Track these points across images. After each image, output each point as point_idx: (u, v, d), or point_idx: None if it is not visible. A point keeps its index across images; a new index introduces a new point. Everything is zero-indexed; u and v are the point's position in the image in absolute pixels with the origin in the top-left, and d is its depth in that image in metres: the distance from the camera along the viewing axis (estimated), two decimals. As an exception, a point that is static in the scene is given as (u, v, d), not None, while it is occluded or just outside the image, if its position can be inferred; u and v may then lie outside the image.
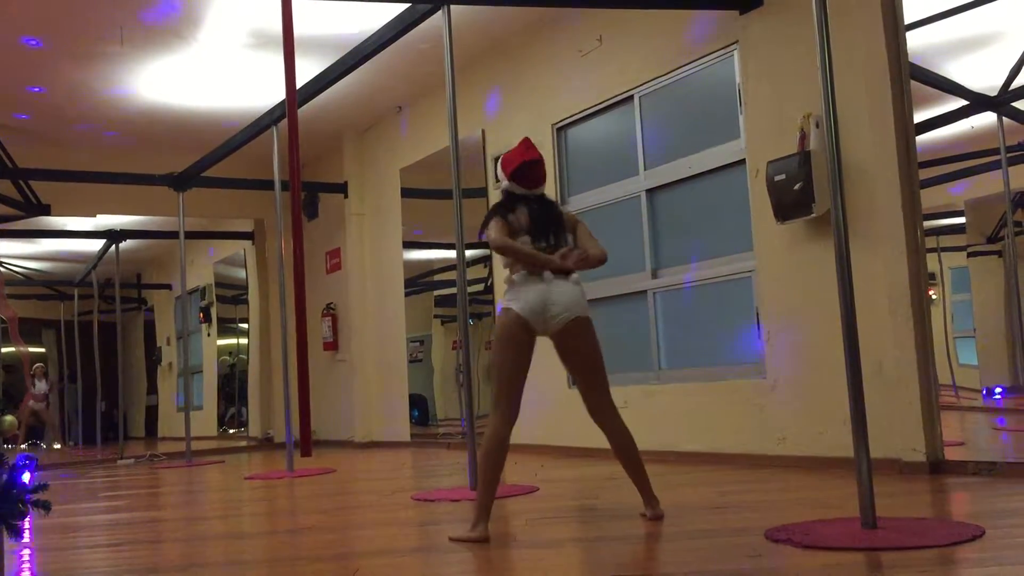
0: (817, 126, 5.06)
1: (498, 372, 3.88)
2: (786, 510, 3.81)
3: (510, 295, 3.85)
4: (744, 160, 5.73)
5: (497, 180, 4.09)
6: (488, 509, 3.63)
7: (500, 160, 4.08)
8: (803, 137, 5.13)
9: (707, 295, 6.11)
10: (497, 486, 3.76)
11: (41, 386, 13.99)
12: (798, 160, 5.10)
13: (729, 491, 4.62)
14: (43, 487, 2.43)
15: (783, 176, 5.17)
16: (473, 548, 3.46)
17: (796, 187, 5.10)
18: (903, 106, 4.75)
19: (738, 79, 5.77)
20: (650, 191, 6.52)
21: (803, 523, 3.33)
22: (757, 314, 5.63)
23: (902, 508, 3.69)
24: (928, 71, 5.39)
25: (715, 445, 5.78)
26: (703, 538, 3.36)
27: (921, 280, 4.70)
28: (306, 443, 4.33)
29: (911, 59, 4.83)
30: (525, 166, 3.95)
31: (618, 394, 6.54)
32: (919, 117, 4.91)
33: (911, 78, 4.81)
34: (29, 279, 15.12)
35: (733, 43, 5.79)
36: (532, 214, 3.91)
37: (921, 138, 4.89)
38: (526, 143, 4.03)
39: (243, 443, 12.17)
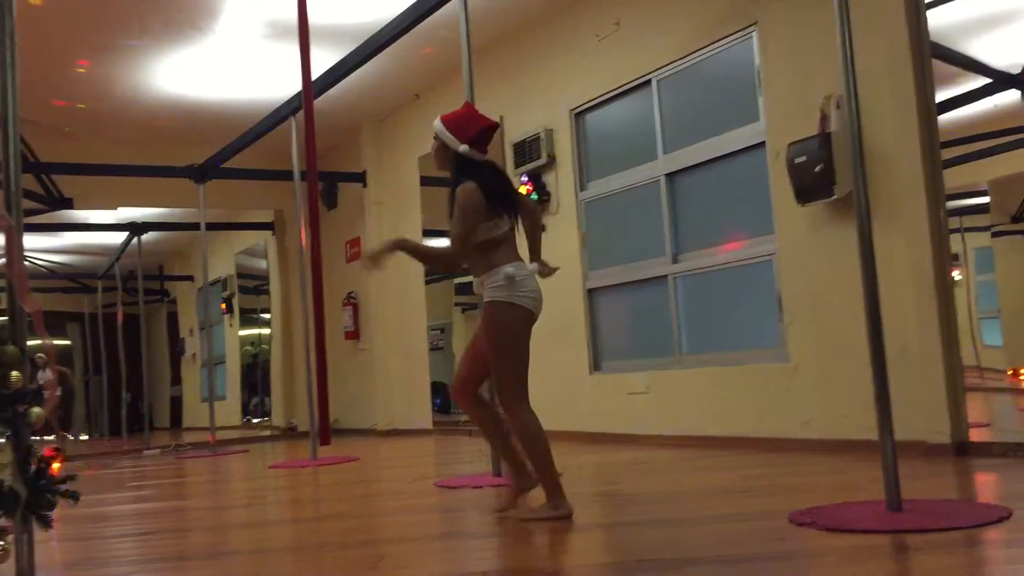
0: (838, 107, 5.01)
1: (517, 365, 3.76)
2: (810, 493, 3.80)
3: (513, 290, 3.62)
4: (764, 143, 5.68)
5: (435, 142, 3.73)
6: (559, 485, 3.63)
7: (445, 120, 3.72)
8: (824, 118, 5.09)
9: (728, 279, 6.08)
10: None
11: (43, 376, 14.17)
12: (819, 142, 5.06)
13: (753, 475, 4.61)
14: (71, 478, 2.45)
15: (804, 158, 5.13)
16: (496, 534, 3.47)
17: (817, 169, 5.05)
18: (925, 85, 4.70)
19: (757, 61, 5.72)
20: (669, 175, 6.49)
21: (828, 506, 3.32)
22: (779, 297, 5.60)
23: (928, 490, 3.67)
24: (950, 49, 5.32)
25: (738, 429, 5.76)
26: (727, 522, 3.36)
27: (944, 261, 4.65)
28: (324, 431, 4.37)
29: (932, 37, 4.77)
30: (487, 132, 3.73)
31: (640, 379, 6.59)
32: (941, 96, 4.86)
33: (933, 57, 4.75)
34: (53, 272, 15.27)
35: (752, 25, 5.74)
36: (497, 187, 3.66)
37: (943, 117, 4.84)
38: (471, 107, 3.80)
39: (267, 432, 12.26)
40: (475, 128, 3.69)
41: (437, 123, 3.75)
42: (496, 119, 8.25)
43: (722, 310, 6.17)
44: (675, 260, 6.46)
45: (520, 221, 3.75)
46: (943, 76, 4.99)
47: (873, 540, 2.82)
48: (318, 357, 4.37)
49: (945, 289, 4.62)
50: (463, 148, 3.67)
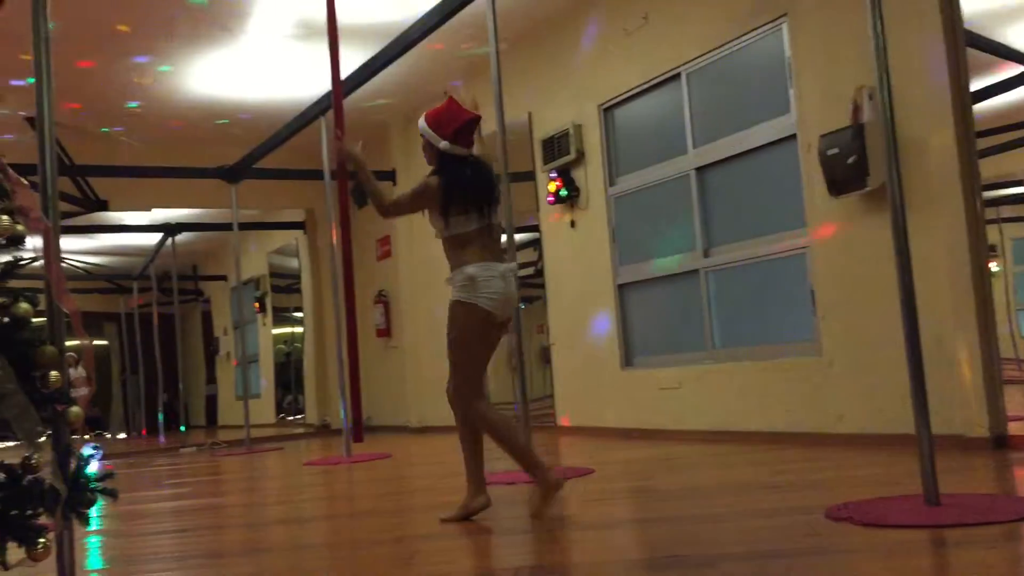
0: (870, 98, 4.96)
1: (475, 364, 3.78)
2: (846, 488, 3.76)
3: (473, 291, 3.65)
4: (795, 135, 5.63)
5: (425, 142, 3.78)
6: (539, 463, 3.68)
7: (428, 117, 3.75)
8: (856, 109, 5.03)
9: (760, 273, 6.04)
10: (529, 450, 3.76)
11: (73, 373, 14.37)
12: (851, 133, 5.00)
13: (787, 470, 4.58)
14: (110, 475, 2.48)
15: (836, 150, 5.08)
16: (528, 530, 3.47)
17: (850, 161, 5.00)
18: (959, 74, 4.63)
19: (787, 52, 5.67)
20: (699, 169, 6.45)
21: (864, 501, 3.29)
22: (812, 291, 5.55)
23: (966, 484, 3.62)
24: (984, 37, 5.24)
25: (771, 424, 5.72)
26: (762, 517, 3.34)
27: (981, 252, 4.59)
28: (358, 429, 4.38)
29: (966, 25, 4.70)
30: (469, 125, 3.72)
31: (672, 375, 6.56)
32: (976, 85, 4.78)
33: (967, 45, 4.69)
34: (90, 274, 15.48)
35: (782, 16, 5.69)
36: (471, 181, 3.67)
37: (978, 106, 4.77)
38: (452, 101, 3.77)
39: (301, 430, 12.36)
40: (456, 123, 3.70)
41: (421, 121, 3.79)
42: (524, 115, 8.27)
43: (754, 304, 6.12)
44: (706, 255, 6.42)
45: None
46: (977, 64, 4.92)
47: (911, 535, 2.79)
48: (351, 355, 4.39)
49: (982, 280, 4.55)
50: (443, 144, 3.71)
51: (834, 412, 5.34)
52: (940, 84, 4.64)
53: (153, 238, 12.79)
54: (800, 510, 3.36)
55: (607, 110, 7.31)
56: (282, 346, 14.54)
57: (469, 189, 3.67)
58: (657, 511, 3.83)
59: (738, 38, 6.04)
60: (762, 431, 5.77)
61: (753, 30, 5.92)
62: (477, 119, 3.76)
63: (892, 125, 3.24)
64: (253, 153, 9.12)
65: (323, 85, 7.85)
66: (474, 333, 3.71)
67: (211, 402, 18.05)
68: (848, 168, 5.02)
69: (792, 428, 5.57)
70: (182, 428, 13.77)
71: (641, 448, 6.13)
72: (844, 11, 5.17)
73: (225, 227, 10.81)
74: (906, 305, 3.16)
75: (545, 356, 8.27)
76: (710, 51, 6.27)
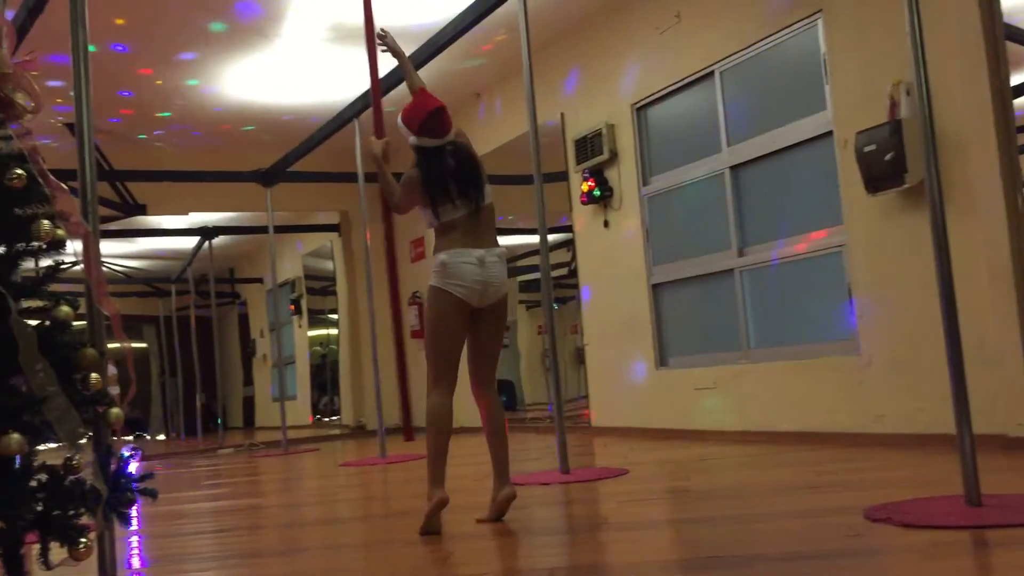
0: (908, 93, 4.89)
1: (436, 352, 3.72)
2: (886, 489, 3.72)
3: (444, 277, 3.64)
4: (831, 132, 5.58)
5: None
6: (437, 477, 3.60)
7: (402, 113, 3.79)
8: (893, 105, 4.97)
9: (796, 271, 5.99)
10: (446, 456, 3.69)
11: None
12: (889, 129, 4.94)
13: (825, 470, 4.53)
14: (150, 476, 2.52)
15: (873, 146, 5.03)
16: (564, 531, 3.47)
17: (887, 157, 4.94)
18: (998, 68, 4.55)
19: (823, 48, 5.61)
20: (734, 168, 6.41)
21: (904, 501, 3.25)
22: (849, 289, 5.49)
23: (1008, 485, 3.56)
24: (1025, 30, 5.16)
25: (809, 424, 5.67)
26: (800, 518, 3.30)
27: (1022, 248, 4.51)
28: (407, 429, 4.37)
29: (1005, 18, 4.63)
30: (433, 116, 3.72)
31: (707, 375, 6.52)
32: (1016, 80, 4.70)
33: (1006, 39, 4.61)
34: (129, 277, 15.69)
35: (816, 12, 5.63)
36: (451, 169, 3.68)
37: (1019, 101, 4.69)
38: (421, 93, 3.81)
39: (336, 431, 12.43)
40: (421, 116, 3.72)
41: (397, 119, 3.83)
42: (556, 116, 8.26)
43: (790, 303, 6.07)
44: (741, 253, 6.37)
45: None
46: (1017, 58, 4.84)
47: (952, 536, 2.75)
48: (397, 356, 4.39)
49: (1023, 277, 4.47)
50: (412, 140, 3.76)
51: (873, 411, 5.27)
52: (979, 78, 4.57)
53: (190, 241, 12.94)
54: (838, 511, 3.32)
55: (640, 109, 7.28)
56: (317, 348, 14.65)
57: (449, 178, 3.68)
58: (693, 512, 3.80)
59: (772, 35, 5.99)
60: (799, 431, 5.71)
61: (787, 27, 5.87)
62: (439, 108, 3.75)
63: (930, 120, 3.20)
64: (288, 156, 9.20)
65: (357, 88, 7.91)
66: (442, 321, 3.68)
67: (248, 403, 18.22)
68: (885, 165, 4.96)
69: (830, 428, 5.52)
70: (219, 422, 13.89)
71: (676, 448, 6.09)
72: (880, 5, 5.11)
73: (261, 230, 10.91)
74: (946, 302, 3.12)
75: (579, 356, 8.26)
76: (744, 49, 6.22)
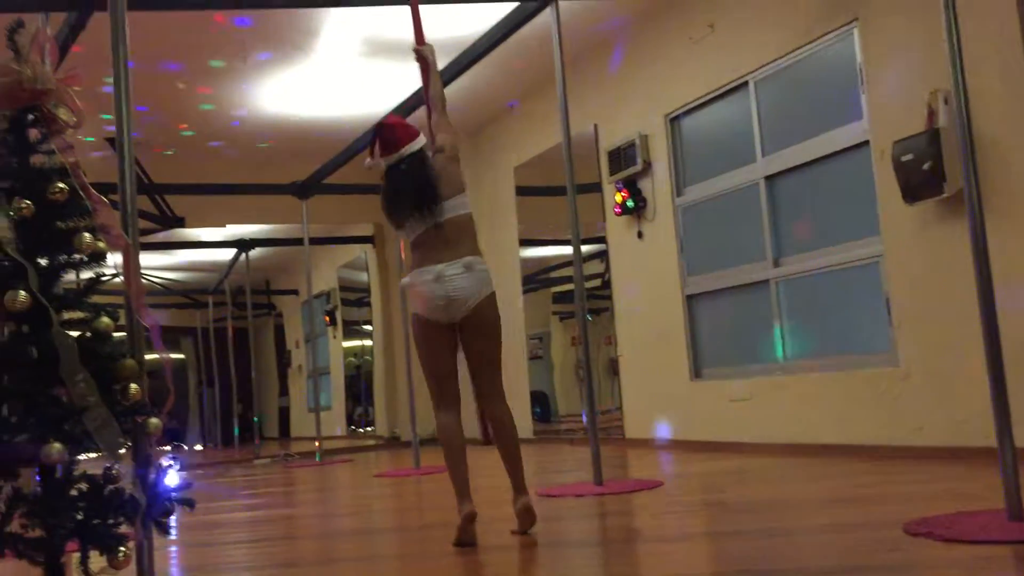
0: (946, 102, 4.84)
1: (427, 375, 3.79)
2: (926, 502, 3.66)
3: (410, 300, 3.71)
4: (868, 141, 5.53)
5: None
6: (461, 491, 3.62)
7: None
8: (931, 114, 4.92)
9: (832, 282, 5.93)
10: (464, 469, 3.70)
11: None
12: (926, 138, 4.89)
13: (864, 483, 4.47)
14: (187, 485, 2.54)
15: (911, 156, 4.97)
16: (599, 543, 3.45)
17: (925, 166, 4.89)
18: (1040, 75, 4.49)
19: (859, 58, 5.57)
20: (769, 178, 6.36)
21: (945, 515, 3.19)
22: (887, 300, 5.43)
23: (1052, 500, 3.49)
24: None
25: (847, 436, 5.60)
26: (838, 532, 3.27)
27: (1066, 258, 4.43)
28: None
29: (1047, 25, 4.56)
30: (379, 134, 3.69)
31: (743, 386, 6.47)
32: (1058, 86, 4.63)
33: (1048, 45, 4.54)
34: (167, 289, 15.89)
35: (852, 20, 5.59)
36: (401, 186, 3.60)
37: (1061, 108, 4.61)
38: (384, 119, 3.86)
39: (371, 442, 12.48)
40: (374, 138, 3.72)
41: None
42: (590, 127, 8.26)
43: (827, 314, 6.01)
44: (776, 264, 6.32)
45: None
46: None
47: (993, 551, 2.70)
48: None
49: (1067, 288, 4.40)
50: (367, 163, 3.76)
51: (912, 424, 5.20)
52: (1019, 85, 4.51)
53: (228, 254, 13.09)
54: (877, 525, 3.28)
55: (673, 120, 7.26)
56: (352, 359, 14.73)
57: (400, 196, 3.63)
58: (729, 525, 3.77)
59: (807, 45, 5.95)
60: (837, 444, 5.65)
61: (822, 36, 5.83)
62: (387, 126, 3.74)
63: (969, 129, 3.16)
64: (323, 169, 9.28)
65: (391, 101, 7.97)
66: (421, 346, 3.74)
67: (284, 414, 18.35)
68: (923, 174, 4.91)
69: (868, 441, 5.45)
70: (255, 421, 14.03)
71: (712, 461, 6.05)
72: (917, 13, 5.06)
73: (296, 242, 11.00)
74: (986, 313, 3.07)
75: (613, 367, 8.23)
76: (778, 58, 6.19)
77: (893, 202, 5.22)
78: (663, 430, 7.33)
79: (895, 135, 5.13)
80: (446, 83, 6.99)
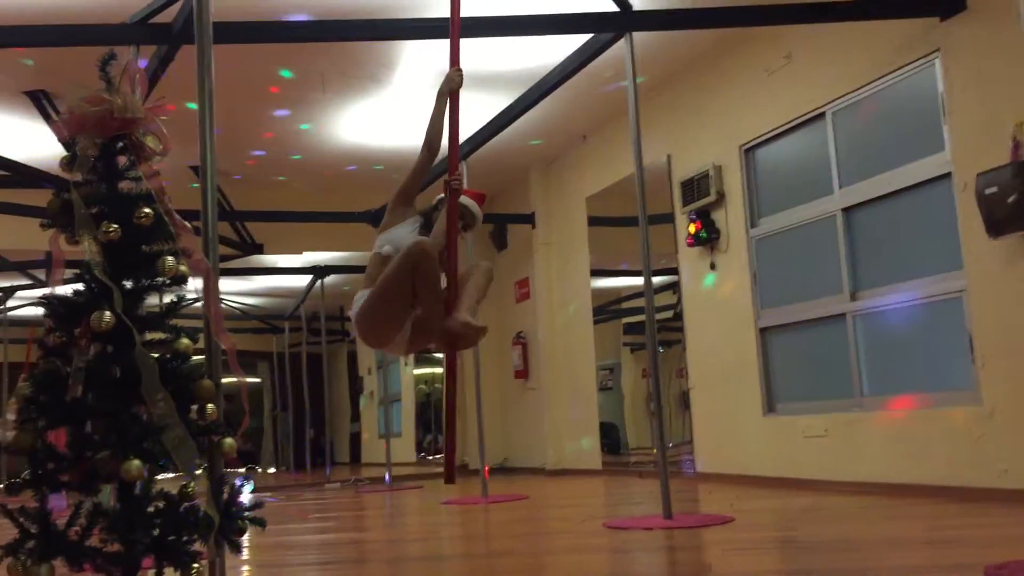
0: (1032, 133, 4.70)
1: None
2: (1008, 546, 3.52)
3: None
4: (950, 173, 5.40)
5: None
6: None
7: (477, 204, 4.31)
8: (1016, 146, 4.79)
9: (912, 317, 5.78)
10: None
11: None
12: (1012, 171, 4.76)
13: (943, 525, 4.33)
14: (259, 505, 2.59)
15: (995, 188, 4.84)
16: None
17: (1010, 200, 4.75)
18: None
19: (940, 88, 5.46)
20: (846, 210, 6.25)
21: (1028, 561, 3.07)
22: (970, 337, 5.27)
23: None
24: None
25: (926, 477, 5.43)
26: (914, 574, 3.16)
27: None
28: (449, 470, 4.22)
29: None
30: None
31: (818, 422, 6.34)
32: None
33: None
34: (245, 314, 16.25)
35: (934, 51, 5.49)
36: None
37: None
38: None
39: (440, 469, 12.50)
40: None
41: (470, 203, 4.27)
42: (663, 157, 8.25)
43: (906, 350, 5.85)
44: (853, 298, 6.19)
45: None
46: None
47: (1082, 600, 2.58)
48: (448, 399, 4.26)
49: None
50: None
51: (996, 466, 5.02)
52: (1110, 117, 4.36)
53: (304, 280, 13.34)
54: (956, 567, 3.17)
55: (748, 151, 7.20)
56: (422, 386, 14.82)
57: None
58: (801, 563, 3.68)
59: (886, 75, 5.86)
60: (916, 484, 5.48)
61: (903, 67, 5.73)
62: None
63: (1055, 161, 3.07)
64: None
65: (463, 131, 8.06)
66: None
67: (355, 440, 18.54)
68: (1008, 207, 4.77)
69: (948, 482, 5.27)
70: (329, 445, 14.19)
71: (784, 498, 5.92)
72: (1001, 44, 4.95)
73: (370, 270, 11.16)
74: (1074, 352, 2.96)
75: (684, 400, 8.13)
76: (856, 89, 6.10)
77: (976, 236, 5.08)
78: (747, 415, 7.20)
79: (978, 167, 5.00)
80: (522, 112, 7.09)
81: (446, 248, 3.95)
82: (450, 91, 4.13)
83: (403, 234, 4.03)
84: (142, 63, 5.52)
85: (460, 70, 4.12)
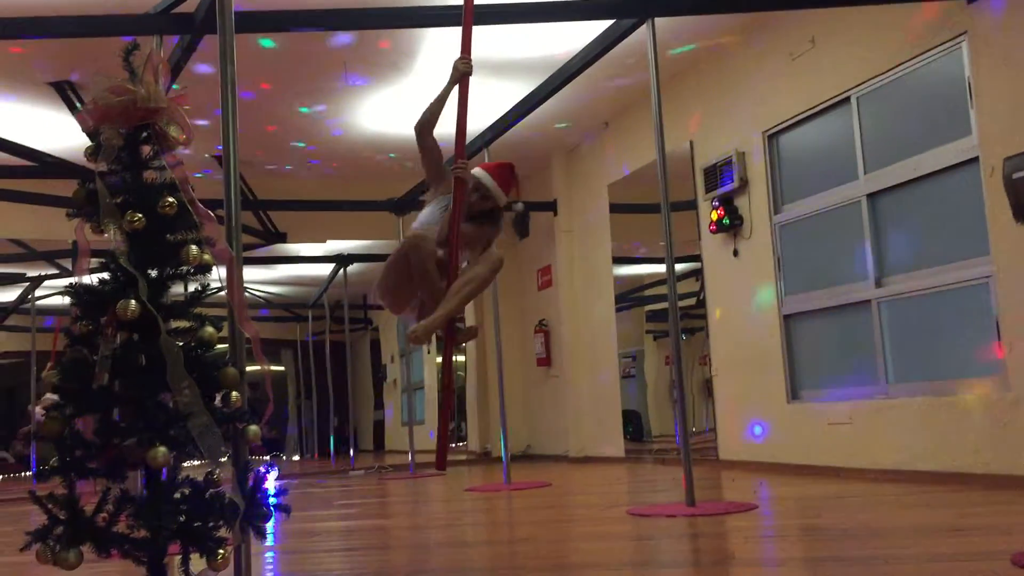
0: (1061, 116, 4.64)
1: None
2: (1036, 535, 3.50)
3: None
4: (977, 158, 5.34)
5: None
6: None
7: (494, 179, 4.34)
8: (1045, 129, 4.72)
9: (938, 303, 5.72)
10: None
11: None
12: (1039, 154, 4.69)
13: (969, 512, 4.29)
14: (284, 492, 2.61)
15: (1023, 173, 4.78)
16: (690, 563, 3.39)
17: (1038, 184, 4.69)
18: None
19: (967, 72, 5.39)
20: (871, 195, 6.20)
21: (1057, 549, 3.04)
22: (997, 322, 5.21)
23: None
24: None
25: (952, 464, 5.39)
26: (941, 562, 3.14)
27: None
28: (440, 458, 4.22)
29: None
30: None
31: (842, 409, 6.30)
32: None
33: None
34: (269, 302, 16.36)
35: (961, 34, 5.42)
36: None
37: None
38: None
39: (463, 457, 12.56)
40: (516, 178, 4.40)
41: (487, 177, 4.33)
42: (685, 144, 8.22)
43: (932, 336, 5.80)
44: (879, 284, 6.14)
45: None
46: None
47: (1111, 588, 2.56)
48: (446, 388, 4.29)
49: None
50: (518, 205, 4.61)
51: (1023, 452, 4.97)
52: None
53: (327, 268, 13.40)
54: (984, 555, 3.14)
55: (772, 136, 7.14)
56: (446, 374, 14.85)
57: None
58: (825, 550, 3.67)
59: (912, 59, 5.79)
60: (942, 471, 5.44)
61: (929, 50, 5.66)
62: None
63: (1085, 144, 3.03)
64: (419, 186, 9.43)
65: (484, 120, 8.05)
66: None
67: (379, 427, 18.63)
68: (1036, 192, 4.71)
69: (975, 469, 5.23)
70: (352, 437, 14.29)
71: (809, 485, 5.89)
72: (1030, 26, 4.88)
73: (393, 258, 11.19)
74: (1103, 338, 2.93)
75: (708, 388, 8.11)
76: (882, 74, 6.03)
77: (1004, 221, 5.02)
78: (759, 432, 7.18)
79: (1006, 151, 4.94)
80: (544, 99, 7.07)
81: (448, 236, 3.99)
82: (460, 78, 4.16)
83: (428, 213, 4.11)
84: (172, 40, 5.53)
85: (466, 59, 4.14)
